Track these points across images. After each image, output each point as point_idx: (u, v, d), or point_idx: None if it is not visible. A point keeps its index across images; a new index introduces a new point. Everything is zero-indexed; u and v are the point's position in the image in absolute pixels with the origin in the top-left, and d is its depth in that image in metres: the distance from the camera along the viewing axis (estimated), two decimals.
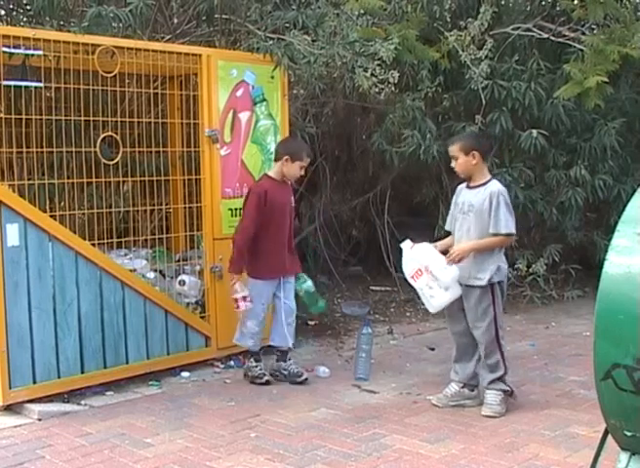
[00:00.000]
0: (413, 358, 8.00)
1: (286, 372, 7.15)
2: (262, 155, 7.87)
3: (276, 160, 7.14)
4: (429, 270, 6.25)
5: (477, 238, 6.33)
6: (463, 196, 6.55)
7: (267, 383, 7.05)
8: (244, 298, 6.89)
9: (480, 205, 6.32)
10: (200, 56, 7.38)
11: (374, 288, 11.17)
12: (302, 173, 7.18)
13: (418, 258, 6.34)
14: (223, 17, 8.55)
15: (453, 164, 6.59)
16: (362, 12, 8.39)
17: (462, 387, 6.54)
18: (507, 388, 6.40)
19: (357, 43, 7.82)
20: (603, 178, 10.37)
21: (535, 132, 9.72)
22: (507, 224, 6.26)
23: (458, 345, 6.63)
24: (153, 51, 7.07)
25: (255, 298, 6.97)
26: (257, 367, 7.13)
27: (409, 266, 6.38)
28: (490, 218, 6.27)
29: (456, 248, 6.34)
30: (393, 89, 8.33)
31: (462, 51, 9.29)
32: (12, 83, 6.54)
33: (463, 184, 6.67)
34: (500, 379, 6.40)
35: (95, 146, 6.77)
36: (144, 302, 6.99)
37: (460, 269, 6.27)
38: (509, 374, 6.50)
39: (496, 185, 6.39)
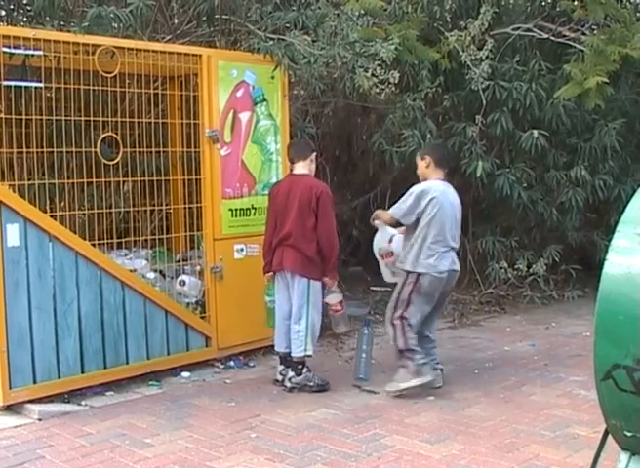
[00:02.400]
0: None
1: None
2: (263, 155, 7.87)
3: (305, 158, 7.08)
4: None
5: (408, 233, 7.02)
6: None
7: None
8: (341, 303, 7.12)
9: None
10: (200, 56, 7.38)
11: (374, 288, 11.15)
12: None
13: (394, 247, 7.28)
14: (224, 17, 8.55)
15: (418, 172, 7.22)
16: (362, 12, 8.39)
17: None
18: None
19: (357, 43, 7.83)
20: (603, 179, 10.38)
21: (535, 132, 9.73)
22: (395, 207, 7.05)
23: None
24: (153, 51, 7.07)
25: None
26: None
27: (382, 248, 7.41)
28: None
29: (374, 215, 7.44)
30: (394, 89, 8.33)
31: (463, 51, 9.30)
32: (12, 83, 6.56)
33: None
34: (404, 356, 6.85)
35: (95, 146, 6.78)
36: (145, 302, 6.99)
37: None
38: None
39: (421, 185, 7.02)
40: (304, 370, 6.93)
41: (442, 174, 7.07)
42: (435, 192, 6.82)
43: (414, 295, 6.81)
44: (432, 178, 6.99)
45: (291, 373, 6.94)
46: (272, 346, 7.43)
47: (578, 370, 7.35)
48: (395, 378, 6.80)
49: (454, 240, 6.99)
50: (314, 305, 6.91)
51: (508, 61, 10.06)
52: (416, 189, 6.90)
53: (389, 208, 11.01)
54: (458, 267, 7.07)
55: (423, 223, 6.80)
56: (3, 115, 6.35)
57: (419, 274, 6.80)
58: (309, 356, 6.95)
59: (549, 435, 5.80)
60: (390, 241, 7.31)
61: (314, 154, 7.16)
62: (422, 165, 7.08)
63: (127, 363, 6.89)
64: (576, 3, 10.07)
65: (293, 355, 6.93)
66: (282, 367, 7.05)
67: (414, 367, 6.71)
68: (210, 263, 7.44)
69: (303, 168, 7.03)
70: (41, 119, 6.50)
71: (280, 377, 7.04)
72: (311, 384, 6.91)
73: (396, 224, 7.07)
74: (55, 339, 6.41)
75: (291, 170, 7.19)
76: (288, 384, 6.92)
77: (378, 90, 8.05)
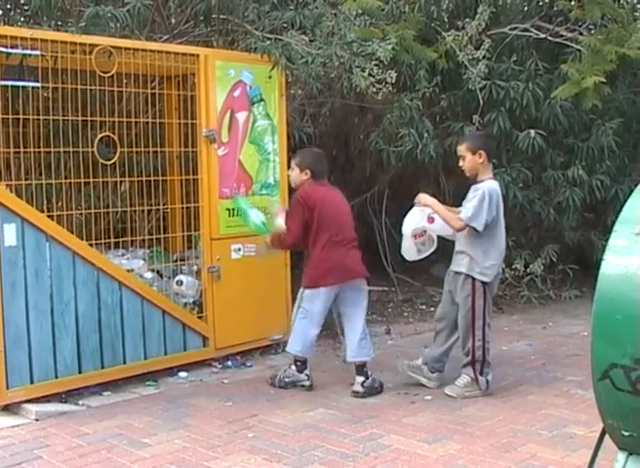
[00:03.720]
0: (410, 358, 7.96)
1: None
2: (260, 155, 7.87)
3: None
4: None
5: (466, 235, 6.69)
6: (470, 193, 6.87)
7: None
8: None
9: (468, 199, 6.75)
10: (198, 56, 7.38)
11: (371, 288, 11.14)
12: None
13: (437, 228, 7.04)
14: (221, 17, 8.55)
15: (460, 163, 6.86)
16: (360, 12, 8.37)
17: (424, 364, 7.07)
18: (473, 375, 6.76)
19: (355, 43, 7.82)
20: (600, 179, 10.38)
21: (532, 132, 9.73)
22: (470, 215, 6.55)
23: (435, 328, 7.21)
24: (151, 51, 7.07)
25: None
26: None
27: (419, 227, 7.10)
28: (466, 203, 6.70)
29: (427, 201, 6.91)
30: (391, 89, 8.33)
31: (460, 51, 9.30)
32: (9, 83, 6.55)
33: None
34: (472, 365, 6.76)
35: (92, 146, 6.78)
36: (142, 302, 6.99)
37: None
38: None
39: (486, 184, 6.66)
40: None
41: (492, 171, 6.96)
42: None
43: (477, 301, 6.75)
44: (483, 174, 6.76)
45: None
46: (269, 346, 7.45)
47: (575, 370, 7.35)
48: (461, 385, 6.82)
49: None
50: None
51: (505, 61, 10.06)
52: (483, 191, 6.58)
53: (387, 208, 11.11)
54: None
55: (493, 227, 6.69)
56: (0, 115, 6.34)
57: (474, 278, 6.72)
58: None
59: (547, 434, 5.80)
60: (431, 221, 7.00)
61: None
62: (475, 160, 6.73)
63: (124, 363, 6.89)
64: (573, 3, 10.07)
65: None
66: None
67: (484, 382, 6.80)
68: (207, 263, 7.44)
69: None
70: (38, 119, 6.51)
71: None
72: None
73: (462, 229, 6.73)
74: (52, 339, 6.41)
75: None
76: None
77: (375, 89, 8.05)
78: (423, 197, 6.90)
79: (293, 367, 7.00)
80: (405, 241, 7.12)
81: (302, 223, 6.76)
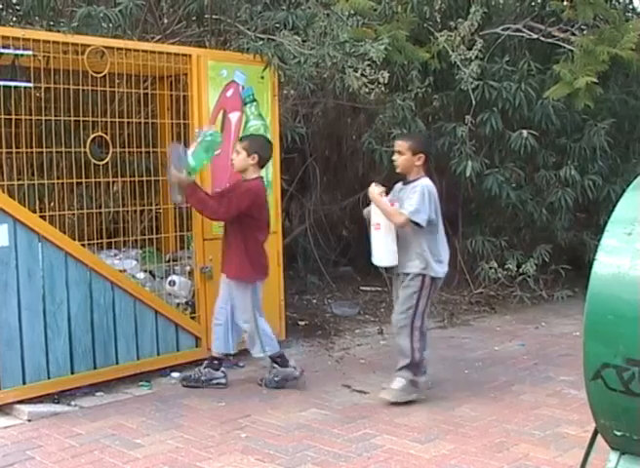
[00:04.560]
0: None
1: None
2: None
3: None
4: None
5: (411, 233, 6.54)
6: (400, 192, 6.79)
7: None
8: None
9: (404, 196, 6.64)
10: (190, 56, 7.37)
11: (364, 288, 11.17)
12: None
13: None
14: (213, 17, 8.54)
15: (395, 157, 6.79)
16: (352, 12, 8.39)
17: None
18: (412, 378, 6.60)
19: (347, 43, 7.82)
20: (592, 179, 10.40)
21: (525, 132, 9.75)
22: (413, 209, 6.43)
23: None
24: (143, 51, 7.06)
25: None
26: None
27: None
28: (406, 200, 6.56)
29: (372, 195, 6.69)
30: (383, 89, 8.34)
31: (453, 51, 9.32)
32: (1, 83, 6.53)
33: (401, 182, 6.90)
34: (409, 368, 6.59)
35: (84, 147, 6.77)
36: (134, 303, 6.98)
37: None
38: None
39: (423, 181, 6.66)
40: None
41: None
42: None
43: (429, 303, 6.72)
44: (416, 173, 6.71)
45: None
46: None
47: (567, 370, 7.36)
48: (398, 387, 6.59)
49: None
50: None
51: (498, 61, 10.08)
52: (425, 187, 6.56)
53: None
54: None
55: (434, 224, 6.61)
56: None
57: (424, 275, 6.60)
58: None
59: (539, 434, 5.81)
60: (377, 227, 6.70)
61: None
62: (413, 161, 6.68)
63: (117, 363, 6.88)
64: (565, 3, 10.09)
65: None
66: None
67: (421, 383, 6.69)
68: (200, 263, 7.43)
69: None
70: (31, 119, 6.50)
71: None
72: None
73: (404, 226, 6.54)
74: (44, 340, 6.40)
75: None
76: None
77: (367, 90, 8.05)
78: (369, 190, 6.73)
79: (275, 365, 7.03)
80: (385, 237, 6.62)
81: (240, 210, 6.73)
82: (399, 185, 6.85)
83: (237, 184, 6.93)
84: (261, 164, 6.93)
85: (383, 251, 6.61)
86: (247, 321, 6.91)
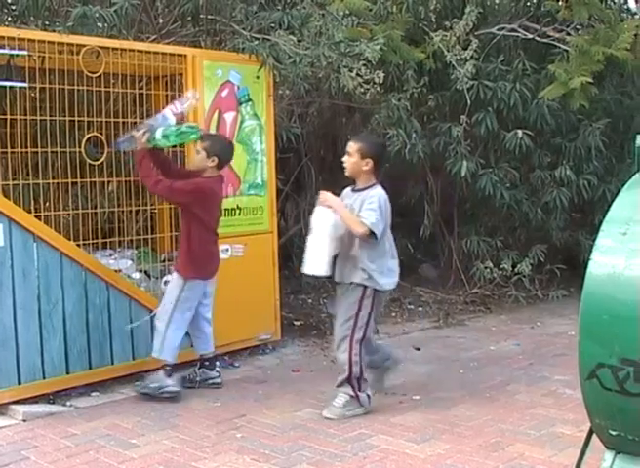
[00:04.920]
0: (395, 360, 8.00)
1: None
2: (248, 155, 7.86)
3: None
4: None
5: (355, 243, 6.27)
6: (348, 198, 6.46)
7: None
8: None
9: (359, 206, 6.26)
10: (185, 56, 7.37)
11: None
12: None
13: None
14: (209, 17, 8.54)
15: (344, 158, 6.50)
16: (347, 12, 8.39)
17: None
18: (352, 393, 6.31)
19: (342, 43, 7.82)
20: (588, 179, 10.41)
21: (520, 132, 9.75)
22: (375, 222, 6.12)
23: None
24: (138, 51, 7.05)
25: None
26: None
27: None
28: (362, 210, 6.21)
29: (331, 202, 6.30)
30: (379, 89, 8.35)
31: (448, 51, 9.32)
32: None
33: (349, 187, 6.61)
34: (349, 382, 6.30)
35: (80, 146, 6.76)
36: (130, 303, 6.97)
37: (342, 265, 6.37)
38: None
39: (378, 191, 6.31)
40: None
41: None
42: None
43: (372, 315, 6.40)
44: (366, 180, 6.41)
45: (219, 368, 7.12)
46: (257, 346, 7.46)
47: (562, 370, 7.36)
48: (340, 405, 6.33)
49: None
50: None
51: (493, 61, 10.09)
52: (380, 197, 6.25)
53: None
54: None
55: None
56: None
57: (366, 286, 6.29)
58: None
59: (534, 434, 5.81)
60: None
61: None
62: (361, 165, 6.38)
63: (112, 363, 6.87)
64: (560, 3, 10.10)
65: (212, 352, 7.12)
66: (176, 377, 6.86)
67: (365, 398, 6.37)
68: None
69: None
70: (26, 119, 6.48)
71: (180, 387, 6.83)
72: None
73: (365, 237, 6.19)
74: (39, 340, 6.39)
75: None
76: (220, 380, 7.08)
77: (362, 90, 8.05)
78: (328, 197, 6.37)
79: (159, 372, 6.75)
80: (328, 245, 6.28)
81: (180, 199, 6.70)
82: (348, 191, 6.57)
83: (195, 176, 6.84)
84: (220, 166, 6.80)
85: (320, 259, 6.26)
86: (160, 319, 6.71)
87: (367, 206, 6.19)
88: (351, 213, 6.22)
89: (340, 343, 6.36)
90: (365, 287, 6.25)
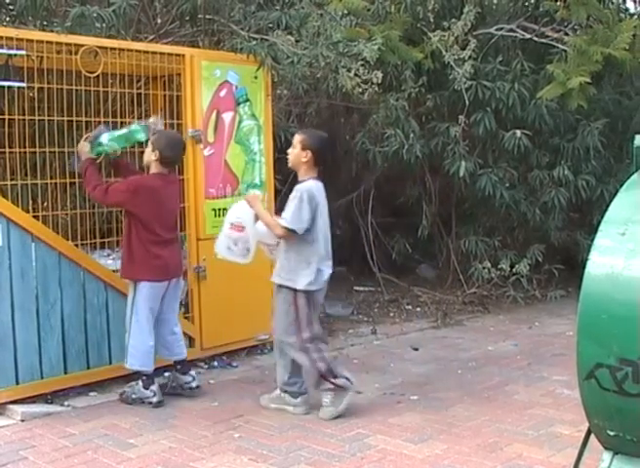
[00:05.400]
0: (396, 358, 8.01)
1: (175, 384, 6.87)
2: (246, 155, 7.87)
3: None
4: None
5: (282, 245, 6.37)
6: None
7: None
8: None
9: (289, 201, 6.33)
10: (183, 56, 7.37)
11: (357, 288, 11.17)
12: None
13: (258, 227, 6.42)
14: (207, 17, 8.54)
15: (290, 150, 6.50)
16: (346, 12, 8.39)
17: (284, 392, 6.47)
18: (331, 386, 6.29)
19: (341, 43, 7.83)
20: (586, 179, 10.41)
21: (518, 132, 9.76)
22: (288, 218, 6.18)
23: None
24: (137, 51, 7.05)
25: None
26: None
27: (242, 219, 6.45)
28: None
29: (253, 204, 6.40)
30: (377, 89, 8.34)
31: (446, 51, 9.32)
32: None
33: None
34: (324, 379, 6.29)
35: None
36: None
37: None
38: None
39: (306, 184, 6.32)
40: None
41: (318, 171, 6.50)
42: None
43: (312, 311, 6.35)
44: (304, 173, 6.39)
45: (194, 372, 6.91)
46: (255, 346, 7.46)
47: (561, 370, 7.36)
48: (328, 403, 6.32)
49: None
50: None
51: (491, 61, 10.09)
52: (303, 192, 6.25)
53: (373, 208, 11.12)
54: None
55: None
56: None
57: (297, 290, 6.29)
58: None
59: (533, 434, 5.81)
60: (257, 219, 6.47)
61: None
62: (300, 156, 6.36)
63: (110, 363, 6.87)
64: (558, 3, 10.09)
65: (185, 355, 6.86)
66: (156, 385, 6.59)
67: (345, 381, 6.34)
68: (193, 263, 7.42)
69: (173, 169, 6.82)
70: (24, 119, 6.48)
71: (161, 397, 6.58)
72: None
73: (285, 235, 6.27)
74: (37, 340, 6.39)
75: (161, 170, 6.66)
76: (196, 382, 6.83)
77: (361, 90, 8.06)
78: (252, 198, 6.47)
79: (138, 383, 6.61)
80: (222, 229, 6.52)
81: (118, 200, 6.49)
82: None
83: (134, 175, 6.76)
84: (163, 162, 6.54)
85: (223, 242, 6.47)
86: (125, 327, 6.60)
87: (290, 200, 6.26)
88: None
89: (289, 348, 6.35)
90: (295, 289, 6.26)
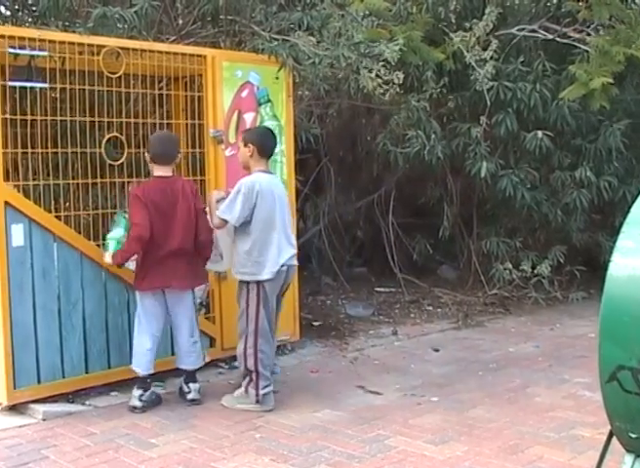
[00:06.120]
0: (417, 359, 8.00)
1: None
2: None
3: (172, 162, 6.61)
4: None
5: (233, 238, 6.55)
6: None
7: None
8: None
9: None
10: (205, 57, 7.39)
11: (378, 289, 11.17)
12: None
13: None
14: (228, 18, 8.55)
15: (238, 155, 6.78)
16: (367, 13, 8.39)
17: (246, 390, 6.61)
18: (244, 387, 6.52)
19: (362, 44, 7.82)
20: (608, 180, 10.36)
21: (540, 133, 9.73)
22: (223, 208, 6.39)
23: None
24: (158, 52, 7.07)
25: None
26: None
27: None
28: None
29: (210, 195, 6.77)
30: (398, 90, 8.32)
31: (467, 52, 9.30)
32: (17, 84, 6.55)
33: None
34: (246, 375, 6.49)
35: (100, 147, 6.78)
36: None
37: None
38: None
39: (248, 178, 6.48)
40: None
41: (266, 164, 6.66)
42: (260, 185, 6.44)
43: (250, 304, 6.43)
44: (253, 168, 6.54)
45: (196, 385, 6.65)
46: (277, 347, 7.44)
47: (582, 372, 7.34)
48: (235, 394, 6.58)
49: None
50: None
51: (513, 62, 10.06)
52: (242, 185, 6.37)
53: (394, 209, 11.11)
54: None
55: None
56: (8, 116, 6.35)
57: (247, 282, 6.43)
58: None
59: (554, 436, 5.79)
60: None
61: (180, 154, 6.78)
62: (245, 152, 6.55)
63: (131, 363, 6.87)
64: (581, 4, 10.06)
65: (193, 367, 6.66)
66: (140, 392, 6.47)
67: (258, 396, 6.43)
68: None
69: (169, 170, 6.54)
70: (46, 119, 6.51)
71: (140, 404, 6.43)
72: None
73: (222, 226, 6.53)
74: (59, 339, 6.42)
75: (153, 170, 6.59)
76: (198, 396, 6.62)
77: (382, 90, 8.04)
78: (208, 197, 6.74)
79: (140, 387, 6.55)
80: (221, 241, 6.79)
81: (132, 220, 6.32)
82: None
83: None
84: (156, 160, 6.44)
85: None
86: None
87: (231, 194, 6.43)
88: None
89: (238, 336, 6.55)
90: (247, 282, 6.41)
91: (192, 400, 6.59)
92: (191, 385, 6.64)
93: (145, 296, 6.47)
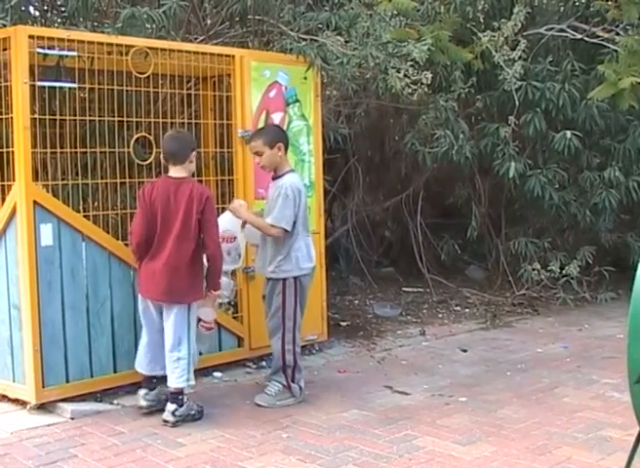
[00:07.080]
0: (445, 359, 7.99)
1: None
2: (295, 156, 7.86)
3: (184, 162, 6.26)
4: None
5: (266, 239, 6.59)
6: (271, 188, 6.68)
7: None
8: (215, 320, 6.76)
9: (272, 196, 6.55)
10: (233, 56, 7.40)
11: (406, 289, 11.16)
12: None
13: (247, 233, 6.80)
14: (256, 18, 8.56)
15: (257, 160, 6.63)
16: (395, 13, 8.37)
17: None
18: (285, 383, 6.58)
19: (390, 44, 7.82)
20: (637, 180, 10.32)
21: (568, 133, 9.68)
22: (276, 216, 6.39)
23: None
24: (187, 52, 7.09)
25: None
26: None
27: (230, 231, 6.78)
28: (270, 208, 6.50)
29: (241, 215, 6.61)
30: (426, 90, 8.31)
31: (496, 51, 9.27)
32: (46, 84, 6.59)
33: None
34: (283, 371, 6.57)
35: (128, 147, 6.80)
36: None
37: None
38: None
39: (289, 179, 6.52)
40: (184, 398, 6.17)
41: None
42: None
43: (287, 301, 6.55)
44: (282, 166, 6.61)
45: (172, 406, 6.09)
46: (304, 346, 7.44)
47: (611, 373, 7.31)
48: (270, 393, 6.57)
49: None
50: (193, 329, 6.29)
51: (541, 62, 10.02)
52: (287, 188, 6.40)
53: (422, 209, 11.11)
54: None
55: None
56: (37, 115, 6.39)
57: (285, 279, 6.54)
58: (191, 385, 6.31)
59: (582, 437, 5.77)
60: (243, 225, 6.68)
61: (194, 153, 6.38)
62: (275, 154, 6.50)
63: None
64: (610, 3, 10.00)
65: (172, 386, 6.15)
66: (145, 391, 6.36)
67: (297, 389, 6.61)
68: (243, 264, 7.44)
69: (182, 170, 6.23)
70: (75, 119, 6.54)
71: (145, 403, 6.33)
72: (193, 412, 6.19)
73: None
74: (87, 338, 6.44)
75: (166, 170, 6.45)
76: (172, 418, 6.06)
77: (410, 90, 8.03)
78: (237, 209, 6.56)
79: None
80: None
81: (144, 219, 6.12)
82: (270, 182, 6.74)
83: None
84: (166, 160, 6.29)
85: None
86: None
87: (275, 197, 6.46)
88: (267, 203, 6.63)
89: (272, 333, 6.63)
90: (283, 279, 6.50)
91: (165, 421, 6.08)
92: (168, 405, 6.14)
93: (141, 298, 6.35)
